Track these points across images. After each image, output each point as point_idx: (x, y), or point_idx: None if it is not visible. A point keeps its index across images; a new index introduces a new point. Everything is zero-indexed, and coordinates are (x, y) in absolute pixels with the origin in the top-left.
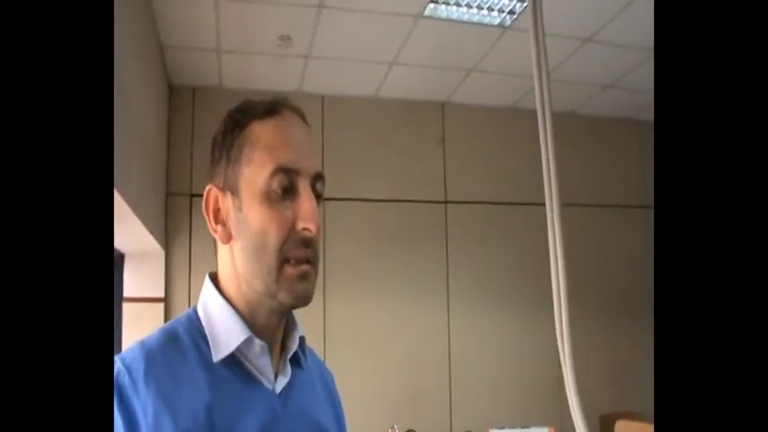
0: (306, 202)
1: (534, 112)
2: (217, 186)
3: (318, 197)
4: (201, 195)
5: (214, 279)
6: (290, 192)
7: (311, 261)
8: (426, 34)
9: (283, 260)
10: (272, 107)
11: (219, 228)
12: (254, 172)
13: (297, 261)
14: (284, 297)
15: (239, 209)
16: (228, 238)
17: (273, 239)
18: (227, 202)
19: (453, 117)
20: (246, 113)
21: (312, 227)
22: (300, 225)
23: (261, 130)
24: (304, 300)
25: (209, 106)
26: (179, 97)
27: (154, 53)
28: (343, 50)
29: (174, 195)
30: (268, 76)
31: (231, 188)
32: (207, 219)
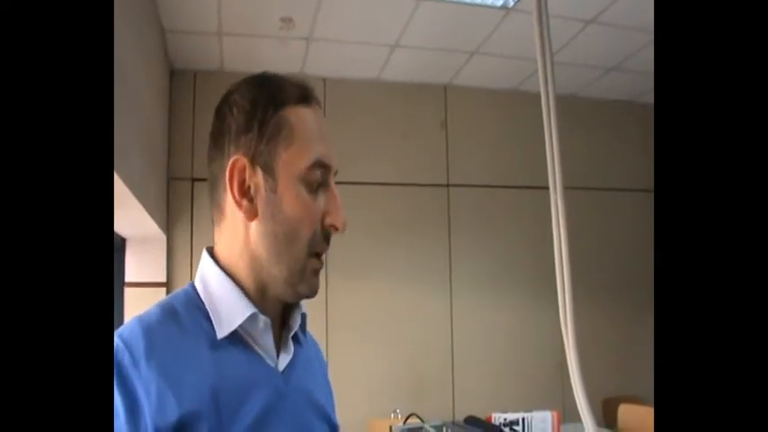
0: (337, 199)
1: (537, 95)
2: (246, 158)
3: None
4: (203, 180)
5: (212, 254)
6: (321, 186)
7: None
8: (428, 16)
9: (310, 252)
10: (306, 95)
11: (246, 203)
12: (294, 158)
13: (317, 255)
14: (303, 289)
15: (272, 190)
16: (254, 215)
17: (306, 230)
18: (256, 179)
19: (456, 100)
20: (281, 92)
21: (340, 225)
22: (329, 221)
23: (297, 117)
24: (315, 293)
25: (211, 90)
26: (180, 81)
27: (155, 37)
28: (345, 33)
29: (176, 180)
30: (270, 59)
31: (263, 165)
32: (230, 190)
